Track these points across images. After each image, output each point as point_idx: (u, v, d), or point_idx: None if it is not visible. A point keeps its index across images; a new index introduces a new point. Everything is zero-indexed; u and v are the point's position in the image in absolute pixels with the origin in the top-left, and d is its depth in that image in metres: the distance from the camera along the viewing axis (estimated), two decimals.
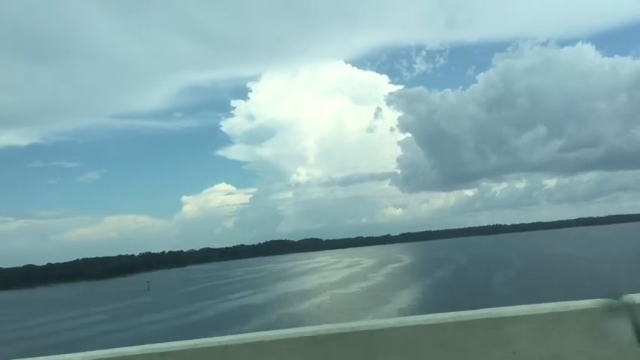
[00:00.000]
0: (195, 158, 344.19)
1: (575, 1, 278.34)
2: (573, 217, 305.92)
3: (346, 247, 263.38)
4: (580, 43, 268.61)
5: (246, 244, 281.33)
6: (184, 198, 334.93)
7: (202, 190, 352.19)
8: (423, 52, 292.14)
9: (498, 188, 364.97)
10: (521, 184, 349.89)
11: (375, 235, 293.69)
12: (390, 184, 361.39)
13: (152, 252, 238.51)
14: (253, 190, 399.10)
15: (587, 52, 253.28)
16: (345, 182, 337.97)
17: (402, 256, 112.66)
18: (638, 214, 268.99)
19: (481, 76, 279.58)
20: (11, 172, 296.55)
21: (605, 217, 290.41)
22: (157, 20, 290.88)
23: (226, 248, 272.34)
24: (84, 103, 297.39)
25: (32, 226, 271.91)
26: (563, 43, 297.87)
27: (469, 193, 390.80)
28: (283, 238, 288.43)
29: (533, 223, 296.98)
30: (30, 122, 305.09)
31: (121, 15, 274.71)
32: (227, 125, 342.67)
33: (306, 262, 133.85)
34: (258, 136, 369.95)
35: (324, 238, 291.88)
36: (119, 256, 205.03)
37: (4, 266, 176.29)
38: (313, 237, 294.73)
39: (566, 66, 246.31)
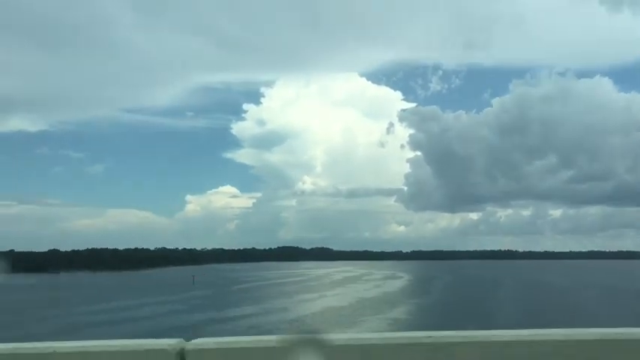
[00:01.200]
0: (202, 158, 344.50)
1: (595, 34, 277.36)
2: (575, 250, 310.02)
3: (357, 259, 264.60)
4: (598, 76, 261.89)
5: (257, 247, 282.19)
6: (188, 197, 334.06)
7: (207, 190, 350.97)
8: (440, 72, 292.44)
9: (503, 214, 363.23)
10: (526, 212, 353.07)
11: (386, 250, 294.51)
12: (395, 201, 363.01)
13: (167, 247, 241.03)
14: (258, 194, 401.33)
15: (605, 86, 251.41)
16: (351, 195, 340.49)
17: (436, 273, 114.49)
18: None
19: (496, 101, 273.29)
20: (17, 158, 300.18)
21: (609, 252, 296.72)
22: (176, 19, 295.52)
23: (238, 250, 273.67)
24: (95, 95, 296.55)
25: (34, 213, 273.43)
26: (581, 75, 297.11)
27: (474, 216, 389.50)
28: (295, 245, 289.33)
29: (538, 252, 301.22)
30: (40, 109, 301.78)
31: (140, 10, 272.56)
32: (237, 128, 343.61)
33: (336, 269, 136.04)
34: (268, 141, 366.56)
35: (334, 249, 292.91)
36: (136, 249, 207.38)
37: (30, 250, 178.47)
38: (324, 246, 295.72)
39: (582, 98, 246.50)
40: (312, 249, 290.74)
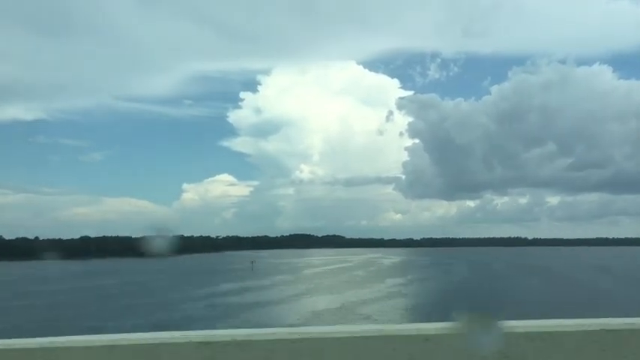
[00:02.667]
0: (199, 147, 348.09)
1: (594, 21, 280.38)
2: (572, 237, 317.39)
3: (369, 246, 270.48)
4: (597, 63, 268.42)
5: (270, 235, 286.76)
6: (185, 186, 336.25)
7: (204, 179, 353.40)
8: (438, 60, 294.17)
9: (500, 201, 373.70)
10: (523, 200, 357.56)
11: (398, 237, 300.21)
12: (393, 189, 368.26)
13: (184, 235, 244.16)
14: (255, 183, 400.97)
15: (604, 73, 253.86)
16: (349, 183, 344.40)
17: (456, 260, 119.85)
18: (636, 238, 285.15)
19: (495, 88, 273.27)
20: (14, 146, 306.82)
21: (603, 239, 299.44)
22: (173, 7, 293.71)
23: (252, 237, 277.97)
24: (92, 82, 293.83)
25: (31, 201, 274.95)
26: (580, 62, 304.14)
27: (471, 204, 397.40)
28: (307, 233, 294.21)
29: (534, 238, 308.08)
30: (36, 97, 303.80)
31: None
32: (234, 116, 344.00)
33: (368, 256, 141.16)
34: (264, 129, 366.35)
35: (346, 236, 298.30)
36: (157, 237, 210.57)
37: (62, 237, 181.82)
38: (336, 234, 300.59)
39: (581, 85, 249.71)
40: (323, 237, 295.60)
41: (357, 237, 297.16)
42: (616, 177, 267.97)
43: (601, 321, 2.31)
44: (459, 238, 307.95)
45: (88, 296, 51.85)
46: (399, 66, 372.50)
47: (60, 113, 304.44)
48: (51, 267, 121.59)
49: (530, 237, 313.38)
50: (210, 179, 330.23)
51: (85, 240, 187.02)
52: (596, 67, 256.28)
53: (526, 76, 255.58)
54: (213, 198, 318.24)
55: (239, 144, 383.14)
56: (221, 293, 56.76)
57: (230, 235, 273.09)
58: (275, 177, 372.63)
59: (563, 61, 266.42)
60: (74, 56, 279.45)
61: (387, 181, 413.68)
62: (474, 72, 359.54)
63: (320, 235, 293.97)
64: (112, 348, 2.35)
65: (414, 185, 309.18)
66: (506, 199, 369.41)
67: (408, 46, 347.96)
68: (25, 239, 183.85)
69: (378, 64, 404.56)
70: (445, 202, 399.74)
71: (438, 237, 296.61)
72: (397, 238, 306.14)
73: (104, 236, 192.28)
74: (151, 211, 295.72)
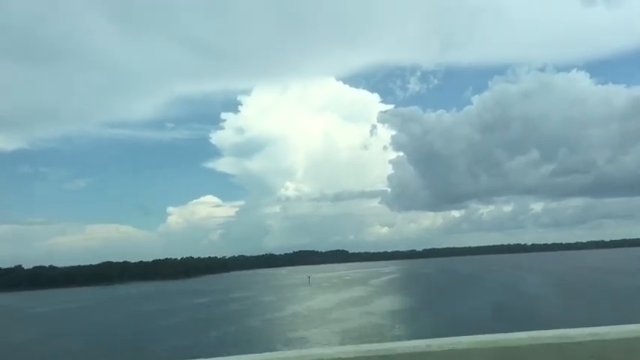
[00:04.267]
0: (183, 169, 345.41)
1: (571, 28, 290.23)
2: (558, 241, 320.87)
3: (372, 260, 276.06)
4: (575, 70, 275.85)
5: (275, 253, 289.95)
6: (170, 209, 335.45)
7: (188, 201, 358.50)
8: (418, 73, 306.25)
9: (486, 210, 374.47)
10: (508, 207, 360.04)
11: (400, 249, 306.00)
12: (379, 203, 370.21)
13: (193, 257, 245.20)
14: (240, 203, 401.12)
15: (582, 80, 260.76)
16: (335, 199, 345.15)
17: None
18: (620, 240, 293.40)
19: (476, 98, 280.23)
20: None
21: (588, 243, 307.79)
22: (154, 30, 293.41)
23: (259, 256, 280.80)
24: (74, 109, 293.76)
25: (14, 232, 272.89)
26: (558, 68, 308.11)
27: (456, 214, 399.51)
28: (311, 249, 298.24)
29: (517, 244, 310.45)
30: (17, 126, 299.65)
31: (118, 22, 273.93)
32: (216, 137, 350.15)
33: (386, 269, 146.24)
34: (247, 149, 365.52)
35: (350, 251, 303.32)
36: (166, 259, 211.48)
37: (82, 263, 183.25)
38: (339, 249, 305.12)
39: (560, 92, 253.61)
40: (327, 252, 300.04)
41: (361, 251, 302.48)
42: (598, 181, 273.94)
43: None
44: (459, 248, 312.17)
45: (213, 313, 55.11)
46: (379, 80, 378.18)
47: (42, 142, 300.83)
48: (103, 292, 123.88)
49: (512, 243, 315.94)
50: (195, 201, 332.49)
51: (106, 265, 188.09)
52: (573, 73, 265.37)
53: (506, 85, 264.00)
54: (199, 220, 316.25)
55: (223, 165, 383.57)
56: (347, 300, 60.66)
57: (236, 255, 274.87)
58: (260, 196, 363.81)
59: (542, 69, 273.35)
60: (56, 83, 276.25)
61: (372, 194, 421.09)
62: (454, 83, 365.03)
63: (324, 251, 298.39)
64: None
65: (400, 198, 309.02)
66: (491, 207, 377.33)
67: (387, 60, 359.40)
68: (42, 267, 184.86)
69: (358, 79, 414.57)
70: (431, 214, 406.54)
71: (440, 247, 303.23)
72: (415, 249, 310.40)
73: (125, 261, 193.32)
74: (135, 236, 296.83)
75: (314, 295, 74.05)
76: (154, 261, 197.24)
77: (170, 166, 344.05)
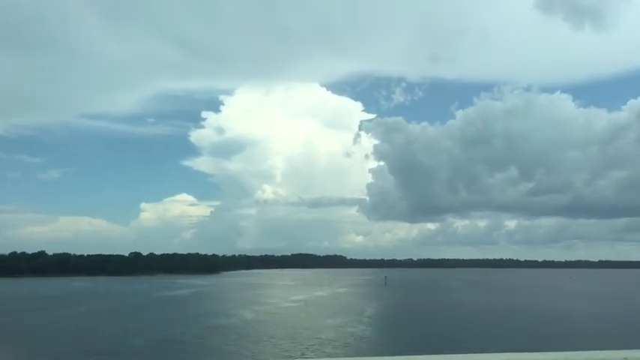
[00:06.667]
0: (160, 166, 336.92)
1: (558, 50, 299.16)
2: (531, 259, 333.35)
3: (370, 267, 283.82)
4: (559, 92, 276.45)
5: (275, 254, 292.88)
6: (143, 205, 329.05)
7: (163, 198, 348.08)
8: (403, 84, 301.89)
9: (461, 224, 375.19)
10: (483, 223, 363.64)
11: (398, 258, 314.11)
12: (357, 211, 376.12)
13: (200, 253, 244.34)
14: (216, 203, 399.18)
15: (565, 101, 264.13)
16: (313, 204, 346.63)
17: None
18: (589, 261, 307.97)
19: (460, 113, 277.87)
20: None
21: (558, 262, 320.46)
22: (140, 25, 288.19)
23: (261, 257, 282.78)
24: (54, 99, 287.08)
25: None
26: (543, 89, 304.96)
27: (432, 226, 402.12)
28: (310, 252, 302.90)
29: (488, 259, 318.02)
30: None
31: (105, 15, 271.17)
32: (196, 136, 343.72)
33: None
34: (226, 149, 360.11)
35: (348, 257, 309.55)
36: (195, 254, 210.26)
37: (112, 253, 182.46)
38: (337, 254, 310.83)
39: (543, 112, 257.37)
40: (324, 256, 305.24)
41: (359, 258, 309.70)
42: (574, 202, 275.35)
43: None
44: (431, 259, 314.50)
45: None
46: (364, 89, 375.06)
47: (19, 129, 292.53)
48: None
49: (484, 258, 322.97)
50: (169, 199, 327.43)
51: (134, 256, 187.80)
52: (557, 94, 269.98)
53: (491, 102, 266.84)
54: (172, 217, 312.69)
55: (200, 163, 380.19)
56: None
57: (239, 255, 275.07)
58: (237, 197, 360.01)
59: (527, 89, 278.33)
60: (38, 73, 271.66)
61: (351, 202, 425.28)
62: (439, 97, 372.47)
63: (322, 255, 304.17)
64: None
65: (378, 207, 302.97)
66: (466, 222, 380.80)
67: (373, 69, 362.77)
68: (67, 254, 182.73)
69: (343, 86, 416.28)
70: (407, 225, 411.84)
71: (436, 258, 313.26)
72: (411, 258, 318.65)
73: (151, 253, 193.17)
74: (107, 230, 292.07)
75: None
76: (181, 255, 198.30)
77: (147, 161, 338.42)
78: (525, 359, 2.28)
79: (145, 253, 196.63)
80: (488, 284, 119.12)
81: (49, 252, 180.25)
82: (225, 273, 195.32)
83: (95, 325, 43.38)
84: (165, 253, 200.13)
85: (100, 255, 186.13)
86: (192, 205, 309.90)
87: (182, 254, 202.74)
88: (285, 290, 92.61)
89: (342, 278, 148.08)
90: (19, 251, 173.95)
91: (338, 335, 36.36)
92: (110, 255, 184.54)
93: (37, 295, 79.73)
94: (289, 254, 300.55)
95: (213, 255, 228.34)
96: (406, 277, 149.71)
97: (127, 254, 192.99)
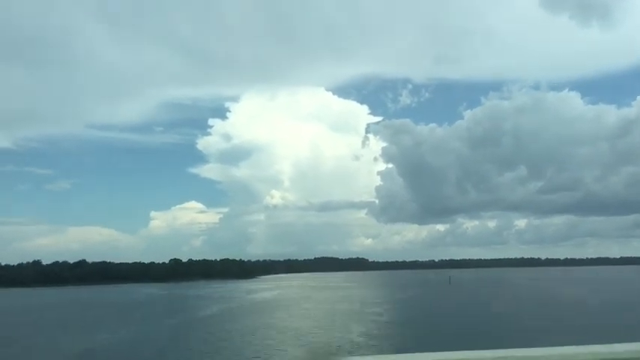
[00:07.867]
0: (168, 174, 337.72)
1: (565, 48, 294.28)
2: (542, 257, 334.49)
3: (392, 269, 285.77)
4: (567, 89, 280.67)
5: (299, 259, 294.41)
6: (153, 213, 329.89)
7: (172, 206, 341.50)
8: (409, 86, 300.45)
9: (470, 225, 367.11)
10: (492, 223, 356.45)
11: (420, 259, 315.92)
12: (366, 214, 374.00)
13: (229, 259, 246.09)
14: (225, 209, 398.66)
15: (573, 99, 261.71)
16: (322, 208, 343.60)
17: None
18: (601, 258, 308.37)
19: (467, 113, 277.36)
20: None
21: (570, 260, 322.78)
22: (145, 34, 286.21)
23: (285, 261, 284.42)
24: (62, 111, 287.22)
25: None
26: (551, 87, 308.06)
27: (441, 227, 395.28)
28: (333, 256, 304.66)
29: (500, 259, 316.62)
30: (4, 126, 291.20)
31: (109, 25, 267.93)
32: (203, 143, 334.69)
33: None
34: (234, 156, 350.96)
35: (370, 259, 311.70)
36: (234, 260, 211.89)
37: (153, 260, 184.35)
38: (359, 257, 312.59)
39: (552, 110, 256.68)
40: (347, 259, 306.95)
41: (383, 260, 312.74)
42: (584, 199, 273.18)
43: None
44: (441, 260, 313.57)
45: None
46: (370, 92, 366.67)
47: (27, 142, 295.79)
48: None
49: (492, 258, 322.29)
50: (178, 206, 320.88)
51: (173, 262, 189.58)
52: (565, 92, 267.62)
53: (499, 101, 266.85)
54: (182, 225, 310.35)
55: (208, 171, 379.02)
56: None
57: (261, 260, 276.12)
58: (245, 203, 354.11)
59: (535, 87, 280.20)
60: (45, 84, 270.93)
61: (360, 205, 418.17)
62: (446, 98, 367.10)
63: (344, 258, 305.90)
64: None
65: (387, 210, 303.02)
66: (476, 222, 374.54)
67: (378, 72, 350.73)
68: (106, 262, 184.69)
69: (348, 89, 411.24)
70: (416, 226, 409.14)
71: (458, 259, 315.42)
72: (433, 259, 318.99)
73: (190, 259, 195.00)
74: (117, 239, 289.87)
75: None
76: (220, 260, 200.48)
77: (156, 170, 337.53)
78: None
79: (157, 261, 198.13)
80: (558, 280, 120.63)
81: (71, 261, 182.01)
82: (262, 277, 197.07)
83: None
84: (206, 259, 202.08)
85: (138, 263, 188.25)
86: (201, 212, 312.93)
87: (217, 260, 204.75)
88: (368, 291, 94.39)
89: (393, 280, 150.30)
90: (30, 261, 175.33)
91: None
92: (151, 262, 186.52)
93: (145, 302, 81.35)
94: (312, 258, 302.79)
95: (241, 260, 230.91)
96: (460, 278, 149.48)
97: (146, 262, 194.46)
